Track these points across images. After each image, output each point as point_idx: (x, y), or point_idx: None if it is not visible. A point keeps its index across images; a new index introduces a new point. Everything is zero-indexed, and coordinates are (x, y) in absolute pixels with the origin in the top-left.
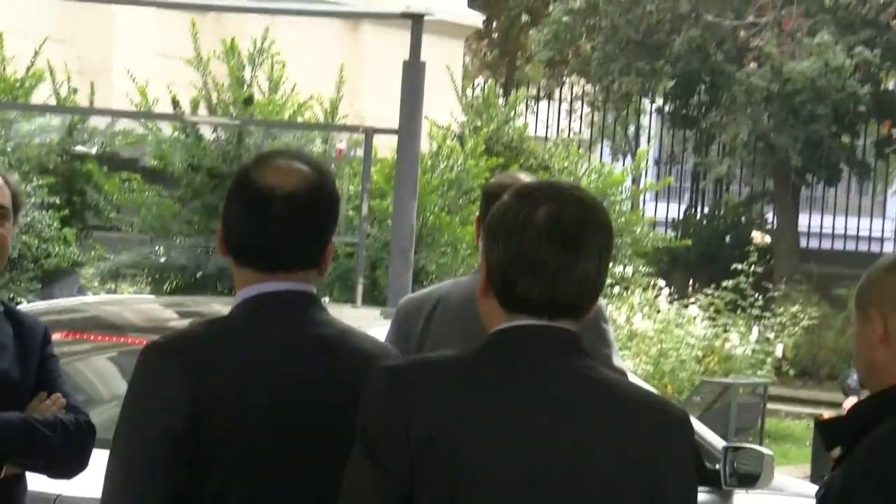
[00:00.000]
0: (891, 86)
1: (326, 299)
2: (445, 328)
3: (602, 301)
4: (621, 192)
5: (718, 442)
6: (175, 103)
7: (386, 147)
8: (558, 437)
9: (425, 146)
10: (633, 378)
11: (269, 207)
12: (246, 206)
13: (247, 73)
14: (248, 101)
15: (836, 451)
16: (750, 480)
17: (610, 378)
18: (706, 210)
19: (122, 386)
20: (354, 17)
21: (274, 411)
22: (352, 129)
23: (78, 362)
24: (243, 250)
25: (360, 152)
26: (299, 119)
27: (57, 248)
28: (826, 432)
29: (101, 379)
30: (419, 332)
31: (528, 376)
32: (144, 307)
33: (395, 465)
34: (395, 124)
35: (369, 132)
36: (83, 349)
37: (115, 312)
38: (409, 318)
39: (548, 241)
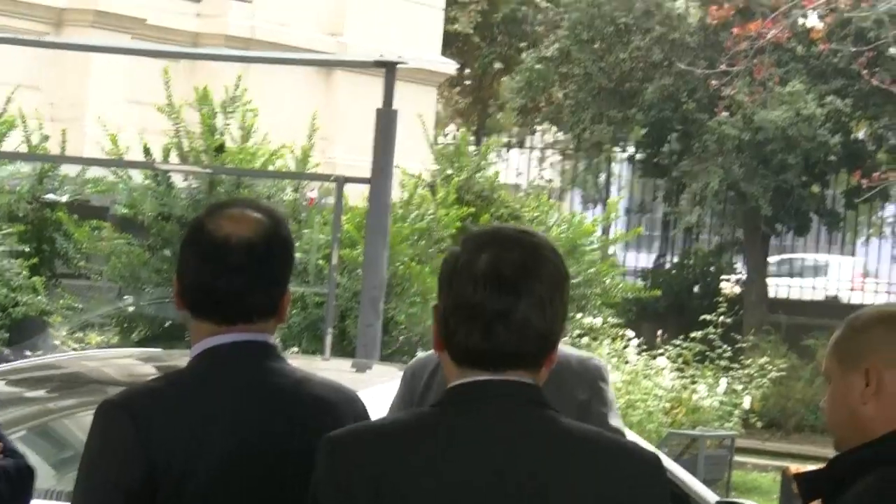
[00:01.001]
0: (861, 135)
1: (295, 349)
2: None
3: (603, 362)
4: (592, 242)
5: (710, 496)
6: (146, 151)
7: (357, 195)
8: (499, 498)
9: (396, 195)
10: (630, 436)
11: (226, 257)
12: (201, 256)
13: (219, 121)
14: (220, 149)
15: None
16: None
17: (572, 428)
18: (676, 259)
19: None
20: (328, 65)
21: (230, 464)
22: (323, 177)
23: (65, 419)
24: (200, 302)
25: (331, 200)
26: (271, 167)
27: (25, 297)
28: (806, 484)
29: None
30: (420, 392)
31: (471, 437)
32: (123, 362)
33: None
34: (366, 172)
35: (340, 180)
36: (68, 405)
37: (94, 368)
38: (414, 378)
39: (484, 287)
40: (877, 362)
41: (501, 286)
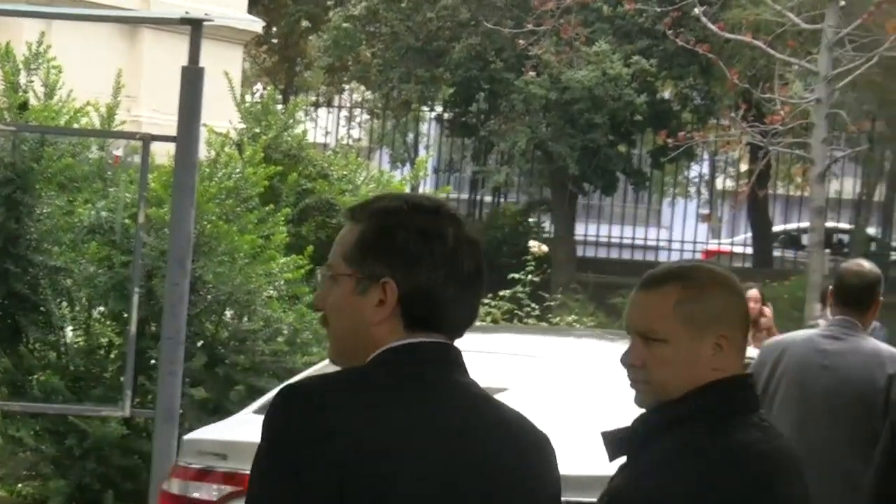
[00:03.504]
0: (667, 95)
1: (102, 308)
2: None
3: None
4: None
5: None
6: None
7: (164, 154)
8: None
9: (203, 153)
10: None
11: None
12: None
13: (22, 78)
14: (23, 106)
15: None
16: None
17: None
18: (484, 219)
19: None
20: (133, 22)
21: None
22: (129, 135)
23: None
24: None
25: (137, 159)
26: (75, 125)
27: None
28: (611, 442)
29: None
30: None
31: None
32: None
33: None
34: (173, 131)
35: (146, 139)
36: None
37: None
38: None
39: None
40: (727, 329)
41: None
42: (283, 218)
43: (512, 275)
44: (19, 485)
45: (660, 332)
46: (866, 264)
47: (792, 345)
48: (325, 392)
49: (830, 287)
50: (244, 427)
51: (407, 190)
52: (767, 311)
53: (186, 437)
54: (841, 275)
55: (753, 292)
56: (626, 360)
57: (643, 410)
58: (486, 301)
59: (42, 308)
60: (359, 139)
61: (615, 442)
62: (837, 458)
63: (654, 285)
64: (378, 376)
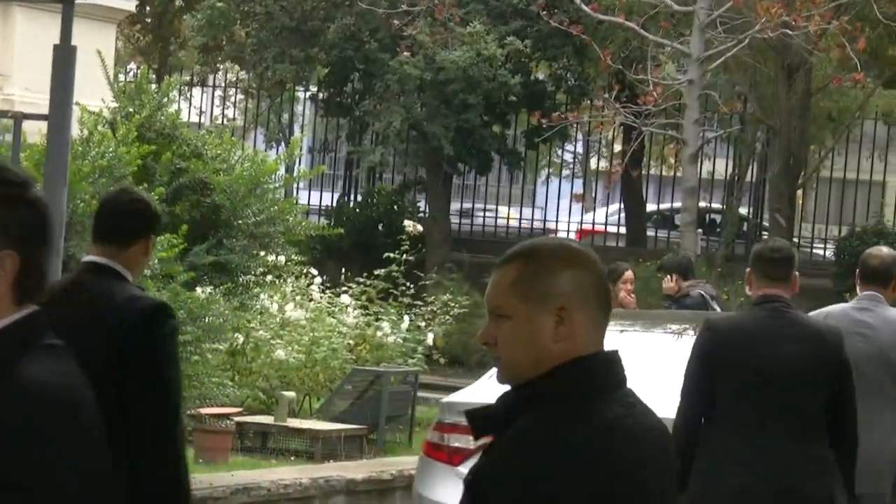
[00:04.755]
0: (541, 76)
1: None
2: None
3: None
4: (275, 181)
5: None
6: None
7: (35, 133)
8: None
9: (76, 132)
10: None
11: None
12: None
13: None
14: None
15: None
16: None
17: None
18: (359, 198)
19: None
20: None
21: None
22: (0, 114)
23: None
24: None
25: (9, 138)
26: None
27: None
28: (476, 421)
29: None
30: None
31: None
32: None
33: None
34: (45, 109)
35: (18, 117)
36: None
37: None
38: None
39: None
40: (568, 303)
41: None
42: (156, 197)
43: (387, 254)
44: None
45: (504, 308)
46: (885, 249)
47: (829, 317)
48: None
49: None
50: (486, 391)
51: (281, 170)
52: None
53: (444, 399)
54: (864, 259)
55: (628, 273)
56: (481, 339)
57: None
58: (360, 280)
59: None
60: (233, 119)
61: (480, 420)
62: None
63: (502, 263)
64: None
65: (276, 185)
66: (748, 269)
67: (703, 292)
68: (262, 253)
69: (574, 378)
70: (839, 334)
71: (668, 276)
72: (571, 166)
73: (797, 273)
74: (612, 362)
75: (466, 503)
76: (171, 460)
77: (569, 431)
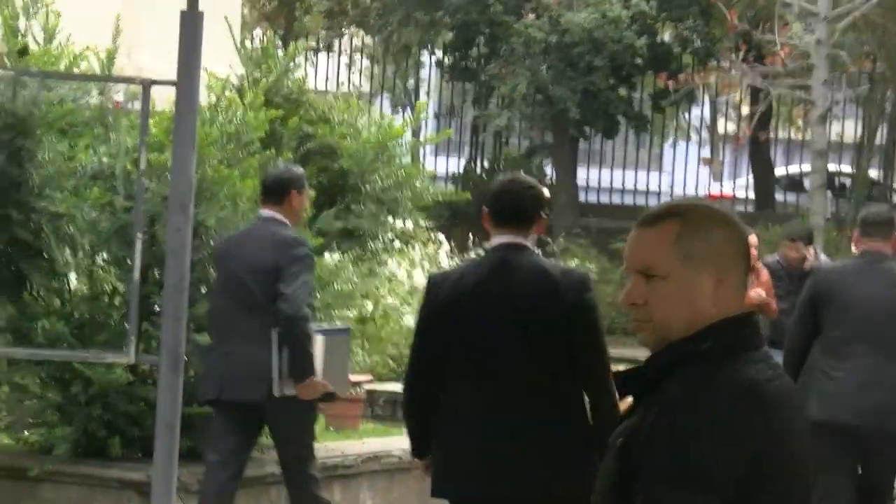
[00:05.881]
0: (667, 38)
1: (104, 255)
2: None
3: None
4: (401, 146)
5: None
6: None
7: (164, 100)
8: None
9: (204, 98)
10: None
11: None
12: None
13: (21, 23)
14: (23, 51)
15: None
16: None
17: None
18: (485, 164)
19: None
20: None
21: None
22: (129, 80)
23: None
24: None
25: (137, 105)
26: (75, 70)
27: None
28: (622, 382)
29: None
30: None
31: None
32: None
33: None
34: (173, 76)
35: (146, 84)
36: None
37: None
38: None
39: None
40: (725, 264)
41: None
42: (285, 162)
43: None
44: (25, 432)
45: (659, 268)
46: None
47: None
48: None
49: None
50: None
51: (408, 134)
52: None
53: None
54: None
55: (752, 238)
56: (628, 300)
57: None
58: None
59: (45, 254)
60: (359, 85)
61: (626, 382)
62: None
63: (653, 222)
64: None
65: (403, 149)
66: (854, 230)
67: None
68: (390, 219)
69: (725, 339)
70: None
71: (794, 242)
72: (698, 129)
73: None
74: (752, 323)
75: (613, 463)
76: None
77: (721, 393)
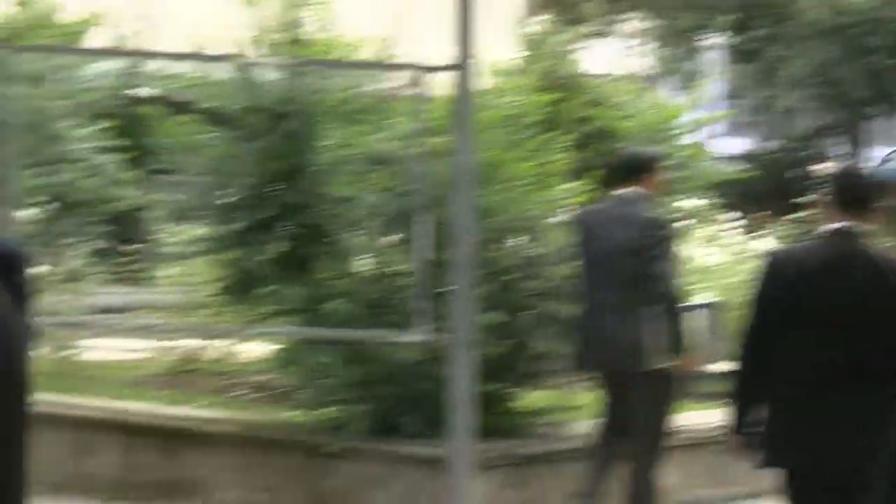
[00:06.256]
0: None
1: (388, 237)
2: None
3: None
4: (683, 127)
5: None
6: (234, 46)
7: (440, 85)
8: None
9: (484, 83)
10: None
11: None
12: None
13: (296, 14)
14: (300, 42)
15: None
16: None
17: None
18: (772, 144)
19: None
20: None
21: None
22: (406, 67)
23: None
24: None
25: (413, 91)
26: (351, 59)
27: (124, 191)
28: None
29: None
30: None
31: None
32: None
33: None
34: (449, 62)
35: (425, 70)
36: None
37: None
38: None
39: None
40: None
41: None
42: (563, 145)
43: (797, 199)
44: (319, 410)
45: None
46: None
47: None
48: None
49: None
50: None
51: (690, 116)
52: None
53: None
54: None
55: None
56: None
57: None
58: (786, 220)
59: (330, 238)
60: (639, 69)
61: None
62: None
63: None
64: None
65: (685, 131)
66: None
67: None
68: (679, 198)
69: None
70: None
71: None
72: None
73: None
74: None
75: None
76: None
77: None
